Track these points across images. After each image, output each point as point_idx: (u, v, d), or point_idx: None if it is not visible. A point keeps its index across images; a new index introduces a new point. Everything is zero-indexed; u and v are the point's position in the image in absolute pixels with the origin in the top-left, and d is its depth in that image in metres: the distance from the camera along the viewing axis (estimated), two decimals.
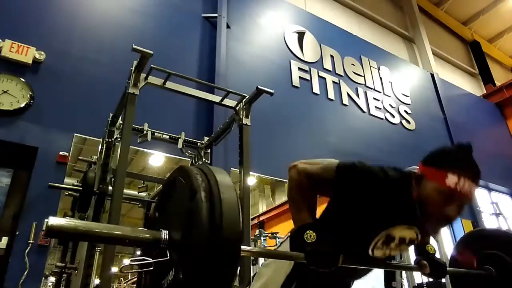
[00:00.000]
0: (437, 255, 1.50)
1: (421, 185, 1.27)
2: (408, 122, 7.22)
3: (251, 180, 5.01)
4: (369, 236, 1.35)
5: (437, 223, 1.29)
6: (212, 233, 0.92)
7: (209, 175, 1.03)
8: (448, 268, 1.54)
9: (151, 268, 1.12)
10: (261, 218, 9.23)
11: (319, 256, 1.21)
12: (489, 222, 7.17)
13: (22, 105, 3.69)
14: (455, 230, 6.70)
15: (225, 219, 0.94)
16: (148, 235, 1.03)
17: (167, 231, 1.04)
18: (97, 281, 2.90)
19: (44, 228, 0.93)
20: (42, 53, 3.97)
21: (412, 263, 1.51)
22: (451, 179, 1.20)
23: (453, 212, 1.23)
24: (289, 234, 1.51)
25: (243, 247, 1.03)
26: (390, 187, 1.28)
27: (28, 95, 3.74)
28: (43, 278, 3.35)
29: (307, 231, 1.24)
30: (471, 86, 10.37)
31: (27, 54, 3.87)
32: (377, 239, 1.35)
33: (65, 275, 3.29)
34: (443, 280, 4.17)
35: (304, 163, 1.37)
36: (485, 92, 10.36)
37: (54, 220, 0.94)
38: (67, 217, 3.36)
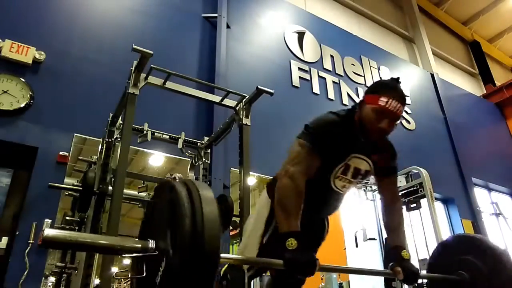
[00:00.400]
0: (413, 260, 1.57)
1: (361, 109, 1.59)
2: (408, 122, 7.22)
3: (251, 180, 5.01)
4: (332, 169, 1.63)
5: (376, 141, 1.62)
6: (194, 242, 1.01)
7: (191, 186, 1.13)
8: (423, 273, 1.66)
9: (143, 275, 1.17)
10: None
11: (297, 264, 1.32)
12: (489, 222, 7.17)
13: (22, 105, 3.68)
14: (455, 229, 6.71)
15: (207, 232, 1.02)
16: (138, 245, 1.14)
17: (154, 240, 1.14)
18: (97, 281, 2.90)
19: (40, 237, 1.02)
20: (42, 53, 3.97)
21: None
22: (382, 99, 1.51)
23: (386, 125, 1.54)
24: (270, 199, 1.73)
25: (223, 255, 1.14)
26: (341, 122, 1.60)
27: (28, 95, 3.74)
28: (43, 278, 3.35)
29: (290, 239, 1.35)
30: (471, 86, 10.37)
31: (27, 54, 3.87)
32: (337, 169, 1.63)
33: (65, 275, 3.29)
34: None
35: (289, 165, 1.52)
36: (485, 92, 10.36)
37: (49, 232, 1.01)
38: (67, 217, 3.37)
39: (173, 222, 1.09)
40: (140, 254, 1.14)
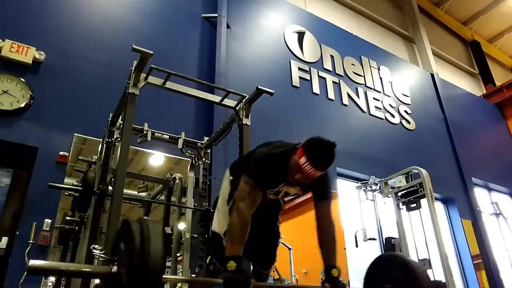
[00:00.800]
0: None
1: (295, 152, 1.82)
2: (408, 122, 7.22)
3: None
4: (265, 190, 2.00)
5: (300, 184, 1.92)
6: (143, 267, 1.40)
7: (144, 226, 1.50)
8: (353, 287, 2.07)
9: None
10: None
11: (233, 282, 1.65)
12: (489, 222, 7.17)
13: (22, 105, 3.68)
14: (455, 229, 6.71)
15: (151, 262, 1.40)
16: (104, 270, 1.57)
17: (117, 266, 1.55)
18: (97, 281, 2.90)
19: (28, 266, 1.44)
20: (42, 53, 3.97)
21: None
22: (302, 159, 1.74)
23: (299, 179, 1.81)
24: (231, 177, 2.23)
25: (165, 276, 1.52)
26: (279, 159, 1.89)
27: (28, 95, 3.74)
28: (43, 278, 3.35)
29: (230, 261, 1.69)
30: (471, 86, 10.37)
31: (27, 54, 3.87)
32: (269, 191, 2.03)
33: None
34: (443, 280, 4.18)
35: (238, 200, 1.88)
36: (485, 92, 10.36)
37: (34, 262, 1.43)
38: (67, 217, 3.37)
39: (128, 252, 1.47)
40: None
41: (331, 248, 1.96)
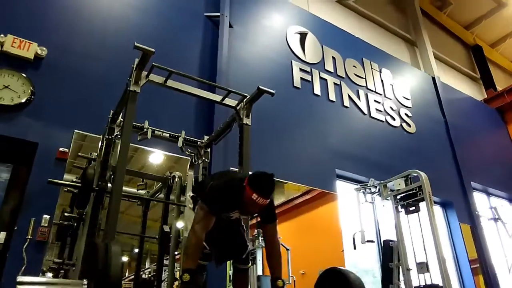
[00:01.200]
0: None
1: (245, 189, 2.16)
2: (409, 125, 7.22)
3: None
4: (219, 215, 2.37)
5: (253, 212, 2.34)
6: (105, 280, 1.84)
7: (108, 248, 1.92)
8: None
9: None
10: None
11: None
12: (488, 227, 7.17)
13: (23, 101, 3.68)
14: (453, 234, 6.71)
15: (112, 275, 1.84)
16: (79, 283, 2.10)
17: (87, 281, 2.04)
18: None
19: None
20: (44, 48, 3.97)
21: None
22: (254, 195, 2.12)
23: (253, 209, 2.24)
24: (192, 194, 2.73)
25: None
26: (232, 191, 2.24)
27: (29, 91, 3.74)
28: (41, 274, 3.34)
29: (185, 274, 2.10)
30: (472, 91, 10.37)
31: (29, 49, 3.87)
32: (223, 215, 2.39)
33: (62, 271, 3.29)
34: (441, 284, 4.18)
35: (194, 223, 2.27)
36: (486, 96, 10.35)
37: (22, 278, 1.98)
38: (65, 213, 3.37)
39: (94, 269, 1.90)
40: None
41: (277, 263, 2.38)
